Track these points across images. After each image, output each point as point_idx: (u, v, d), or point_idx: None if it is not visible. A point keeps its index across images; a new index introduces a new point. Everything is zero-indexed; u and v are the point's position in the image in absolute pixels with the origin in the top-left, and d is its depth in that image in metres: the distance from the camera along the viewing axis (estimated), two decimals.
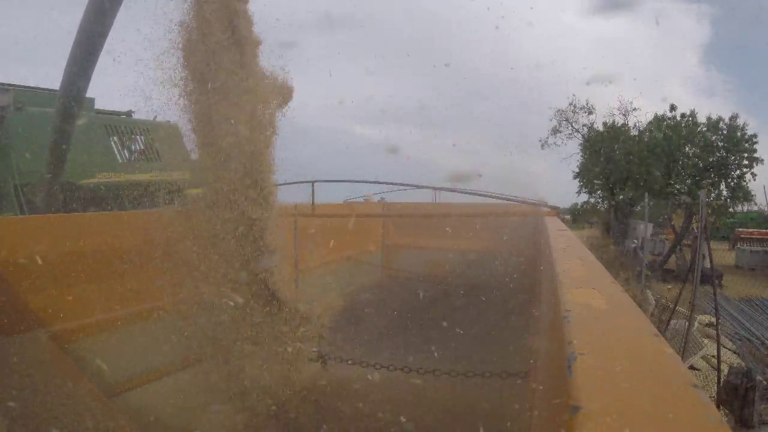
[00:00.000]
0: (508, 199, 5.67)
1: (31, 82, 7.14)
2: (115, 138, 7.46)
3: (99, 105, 7.64)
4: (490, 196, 6.48)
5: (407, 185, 6.64)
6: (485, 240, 7.27)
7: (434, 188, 7.96)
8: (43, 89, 7.00)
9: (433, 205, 8.76)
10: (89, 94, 6.12)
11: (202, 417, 3.19)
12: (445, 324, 5.08)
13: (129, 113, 7.91)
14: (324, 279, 6.59)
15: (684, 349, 6.26)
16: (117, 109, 7.88)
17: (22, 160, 6.20)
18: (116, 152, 7.45)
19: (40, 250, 3.15)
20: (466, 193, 6.06)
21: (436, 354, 4.24)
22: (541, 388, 1.56)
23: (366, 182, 6.60)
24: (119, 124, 7.60)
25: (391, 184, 6.79)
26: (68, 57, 4.38)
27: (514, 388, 3.38)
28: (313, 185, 5.31)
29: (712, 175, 15.38)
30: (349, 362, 4.00)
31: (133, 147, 7.80)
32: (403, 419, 3.35)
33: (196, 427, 3.12)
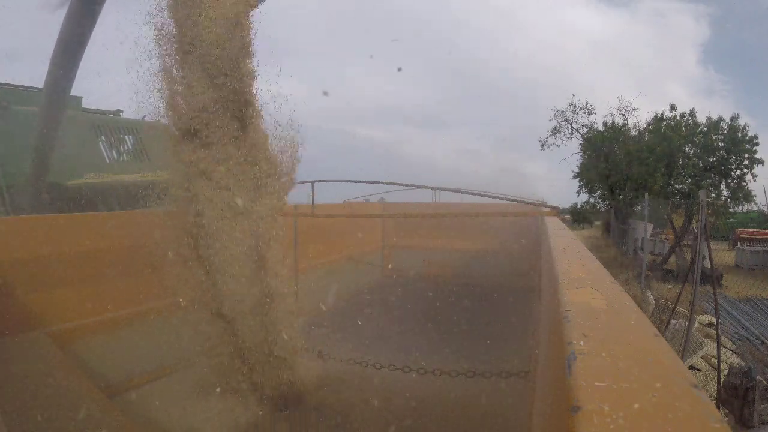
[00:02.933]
0: (508, 199, 5.66)
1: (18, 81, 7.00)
2: (103, 138, 7.28)
3: (86, 104, 7.46)
4: (490, 196, 6.48)
5: (407, 185, 6.63)
6: (485, 240, 7.27)
7: (434, 188, 7.95)
8: (30, 88, 6.79)
9: (433, 205, 8.75)
10: (77, 92, 6.00)
11: (202, 416, 3.19)
12: (445, 324, 5.08)
13: (117, 112, 7.77)
14: (324, 279, 6.59)
15: (684, 349, 6.26)
16: (105, 108, 7.73)
17: (8, 160, 6.02)
18: (104, 152, 7.30)
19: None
20: (466, 193, 6.05)
21: (436, 354, 4.24)
22: (541, 388, 1.56)
23: (366, 182, 6.59)
24: (107, 123, 7.41)
25: (391, 184, 6.77)
26: (52, 54, 4.34)
27: (514, 388, 3.38)
28: (313, 185, 5.30)
29: (712, 175, 15.37)
30: (350, 362, 4.01)
31: (121, 147, 7.60)
32: (403, 419, 3.35)
33: (197, 426, 3.12)
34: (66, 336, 3.30)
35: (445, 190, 6.87)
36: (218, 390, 3.34)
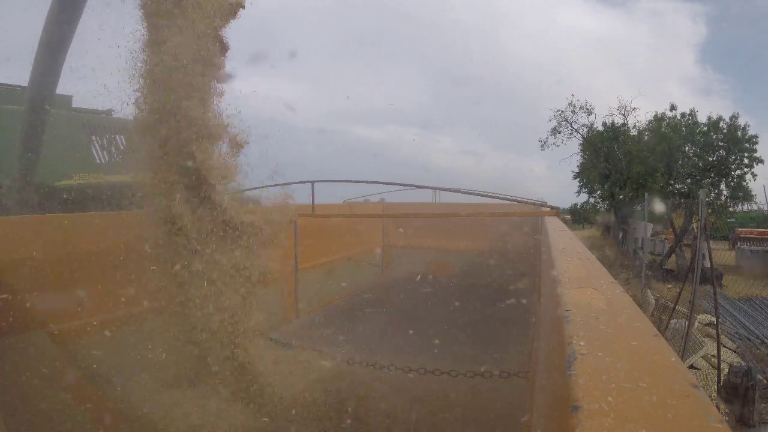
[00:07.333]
0: (508, 199, 5.66)
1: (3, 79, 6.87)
2: (93, 137, 7.15)
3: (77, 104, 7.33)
4: (490, 196, 6.48)
5: (407, 185, 6.63)
6: (485, 240, 7.28)
7: (434, 188, 7.96)
8: (18, 86, 6.68)
9: (433, 205, 8.76)
10: (68, 92, 5.93)
11: (204, 417, 3.18)
12: (445, 324, 5.08)
13: (109, 112, 7.66)
14: (324, 279, 6.60)
15: (684, 349, 6.26)
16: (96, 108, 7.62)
17: None
18: (95, 152, 7.19)
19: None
20: (466, 193, 6.05)
21: (436, 354, 4.24)
22: (541, 388, 1.55)
23: (366, 182, 6.59)
24: (98, 122, 7.27)
25: (391, 184, 6.77)
26: (36, 51, 4.32)
27: (514, 388, 3.39)
28: (312, 185, 5.29)
29: (712, 175, 15.37)
30: (349, 362, 4.01)
31: (113, 147, 7.46)
32: (402, 419, 3.35)
33: (200, 428, 3.12)
34: (65, 336, 3.30)
35: (445, 190, 6.87)
36: (219, 392, 3.34)
